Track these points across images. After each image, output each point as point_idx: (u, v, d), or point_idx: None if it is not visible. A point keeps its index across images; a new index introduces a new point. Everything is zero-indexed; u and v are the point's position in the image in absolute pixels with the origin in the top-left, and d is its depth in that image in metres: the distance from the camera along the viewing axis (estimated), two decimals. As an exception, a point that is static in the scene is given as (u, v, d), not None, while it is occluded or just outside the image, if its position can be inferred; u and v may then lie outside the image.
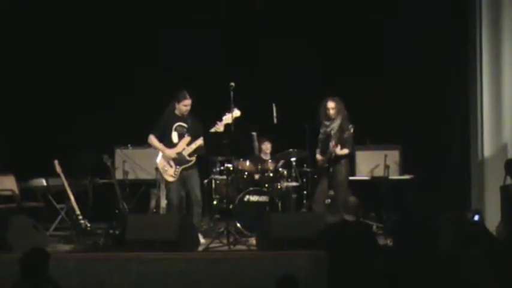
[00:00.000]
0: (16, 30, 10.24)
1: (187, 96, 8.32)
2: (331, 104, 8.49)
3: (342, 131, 8.39)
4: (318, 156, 8.59)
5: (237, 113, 8.23)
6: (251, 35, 10.33)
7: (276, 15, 10.30)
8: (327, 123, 8.52)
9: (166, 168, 8.33)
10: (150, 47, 10.37)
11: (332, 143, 8.35)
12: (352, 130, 8.37)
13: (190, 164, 8.34)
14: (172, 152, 8.31)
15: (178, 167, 8.32)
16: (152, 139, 8.39)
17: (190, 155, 8.34)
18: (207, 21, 10.33)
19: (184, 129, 8.38)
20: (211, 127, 8.27)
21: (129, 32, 10.35)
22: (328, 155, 8.44)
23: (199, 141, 8.27)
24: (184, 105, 8.32)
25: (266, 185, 9.16)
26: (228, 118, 8.22)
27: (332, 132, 8.45)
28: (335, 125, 8.46)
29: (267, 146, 9.60)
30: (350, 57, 10.21)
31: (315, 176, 8.85)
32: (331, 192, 8.90)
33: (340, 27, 10.27)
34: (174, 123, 8.37)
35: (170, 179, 8.32)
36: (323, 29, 10.28)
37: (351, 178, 8.83)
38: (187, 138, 8.35)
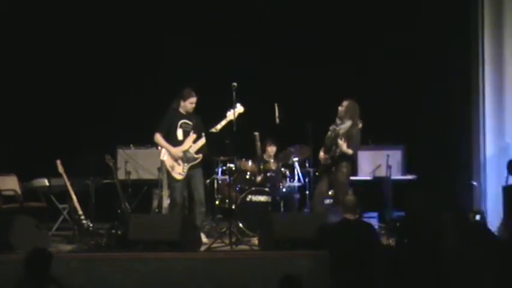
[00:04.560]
0: (17, 30, 10.24)
1: (193, 94, 8.34)
2: (344, 102, 8.43)
3: (347, 132, 8.34)
4: (322, 154, 8.53)
5: (240, 109, 8.26)
6: (251, 35, 10.34)
7: (277, 15, 10.30)
8: (338, 122, 8.47)
9: (174, 166, 8.32)
10: (151, 47, 10.37)
11: (342, 140, 8.27)
12: (360, 126, 8.30)
13: (197, 161, 8.35)
14: (179, 151, 8.30)
15: (186, 164, 8.32)
16: (159, 138, 8.37)
17: (196, 152, 8.35)
18: (208, 20, 10.34)
19: (190, 127, 8.38)
20: (214, 125, 8.29)
21: (130, 32, 10.35)
22: (332, 153, 8.41)
23: (204, 139, 8.30)
24: (190, 103, 8.33)
25: (268, 185, 9.16)
26: (231, 114, 8.24)
27: (340, 132, 8.40)
28: (345, 126, 8.40)
29: (272, 149, 9.58)
30: (351, 57, 10.20)
31: (316, 174, 8.78)
32: (331, 192, 8.94)
33: (341, 26, 10.27)
34: (179, 121, 8.36)
35: (179, 176, 8.31)
36: (324, 28, 10.28)
37: (353, 178, 8.82)
38: (193, 136, 8.36)
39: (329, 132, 8.53)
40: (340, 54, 10.25)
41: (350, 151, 8.35)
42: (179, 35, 10.36)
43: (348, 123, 8.38)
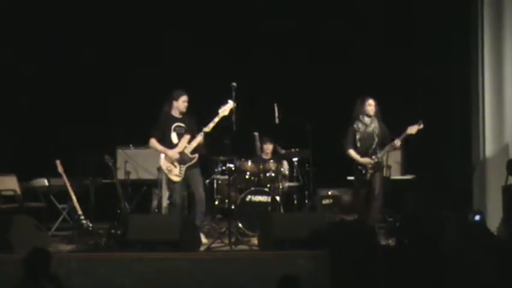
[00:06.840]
0: (17, 30, 10.24)
1: (183, 92, 8.33)
2: (371, 101, 8.38)
3: (382, 130, 8.35)
4: (367, 160, 8.30)
5: (231, 104, 8.23)
6: (251, 34, 10.34)
7: (276, 15, 10.31)
8: (368, 121, 8.39)
9: (170, 169, 8.31)
10: (150, 47, 10.37)
11: (397, 141, 8.23)
12: None
13: (193, 161, 8.34)
14: (175, 153, 8.30)
15: (182, 166, 8.31)
16: (154, 142, 8.37)
17: (192, 152, 8.35)
18: (208, 20, 10.34)
19: (183, 129, 8.38)
20: (208, 124, 8.29)
21: (129, 31, 10.36)
22: (382, 153, 8.31)
23: (199, 138, 8.29)
24: (183, 101, 8.32)
25: (268, 185, 9.15)
26: (224, 111, 8.25)
27: (376, 132, 8.35)
28: (375, 124, 8.38)
29: (268, 147, 9.58)
30: (350, 57, 10.21)
31: (367, 176, 8.29)
32: (330, 192, 8.95)
33: (339, 26, 10.26)
34: (172, 124, 8.36)
35: (176, 178, 8.30)
36: (323, 28, 10.29)
37: (352, 178, 8.78)
38: (187, 137, 8.35)
39: (358, 135, 8.40)
40: (340, 54, 10.24)
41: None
42: (179, 34, 10.36)
43: (375, 122, 8.39)
